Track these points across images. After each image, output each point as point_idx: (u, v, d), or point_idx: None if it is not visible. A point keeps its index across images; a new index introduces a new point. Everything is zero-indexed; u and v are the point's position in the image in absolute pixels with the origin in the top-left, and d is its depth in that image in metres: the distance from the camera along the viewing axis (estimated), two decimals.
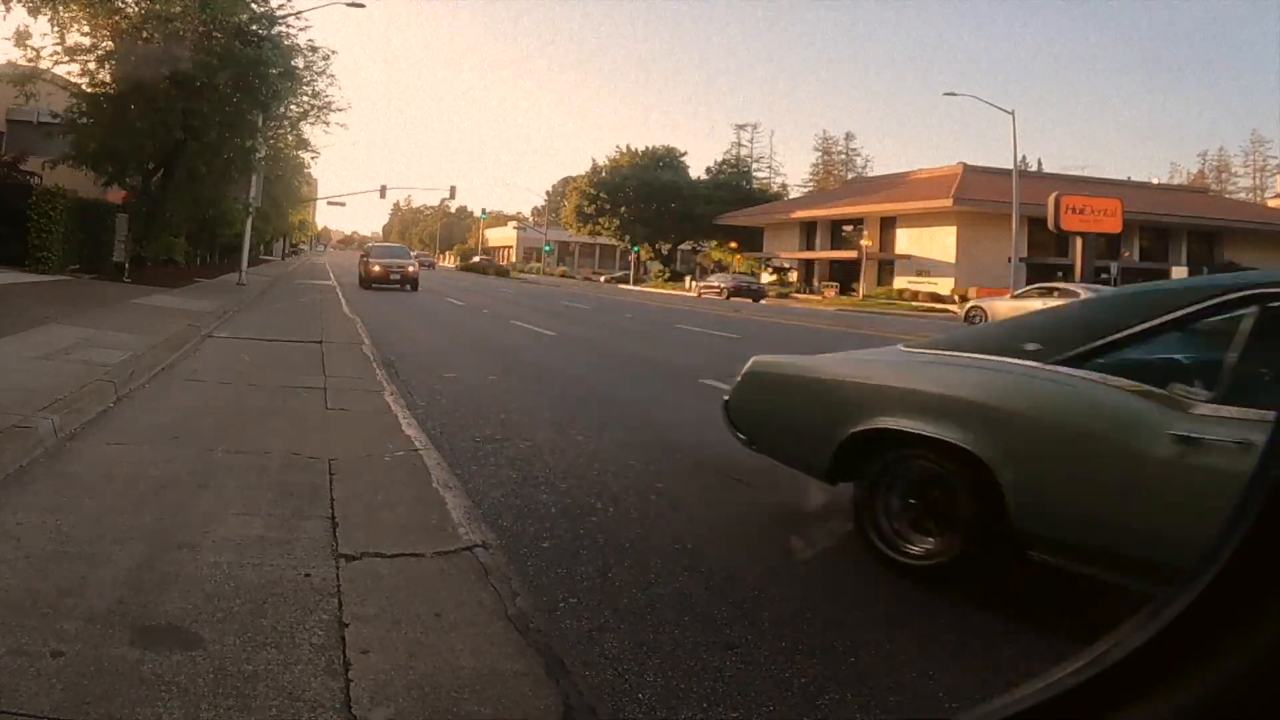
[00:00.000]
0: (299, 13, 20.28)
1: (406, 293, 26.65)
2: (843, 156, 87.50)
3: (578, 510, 4.26)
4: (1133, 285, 5.13)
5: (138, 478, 4.30)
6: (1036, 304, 17.89)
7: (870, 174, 71.75)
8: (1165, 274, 35.26)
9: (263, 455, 4.93)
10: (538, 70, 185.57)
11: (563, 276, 74.03)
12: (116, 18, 16.70)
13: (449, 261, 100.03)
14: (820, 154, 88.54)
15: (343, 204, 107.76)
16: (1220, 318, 2.92)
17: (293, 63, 20.03)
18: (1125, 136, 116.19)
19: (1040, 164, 60.54)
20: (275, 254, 58.37)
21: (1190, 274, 34.08)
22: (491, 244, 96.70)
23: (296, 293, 23.98)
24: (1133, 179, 51.96)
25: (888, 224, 46.25)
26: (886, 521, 3.53)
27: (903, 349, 4.08)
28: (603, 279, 67.99)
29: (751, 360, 4.49)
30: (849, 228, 48.64)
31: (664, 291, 50.25)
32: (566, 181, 79.51)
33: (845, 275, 47.43)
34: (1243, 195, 75.65)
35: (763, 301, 40.08)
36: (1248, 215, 48.47)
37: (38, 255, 16.44)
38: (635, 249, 66.39)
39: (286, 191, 36.93)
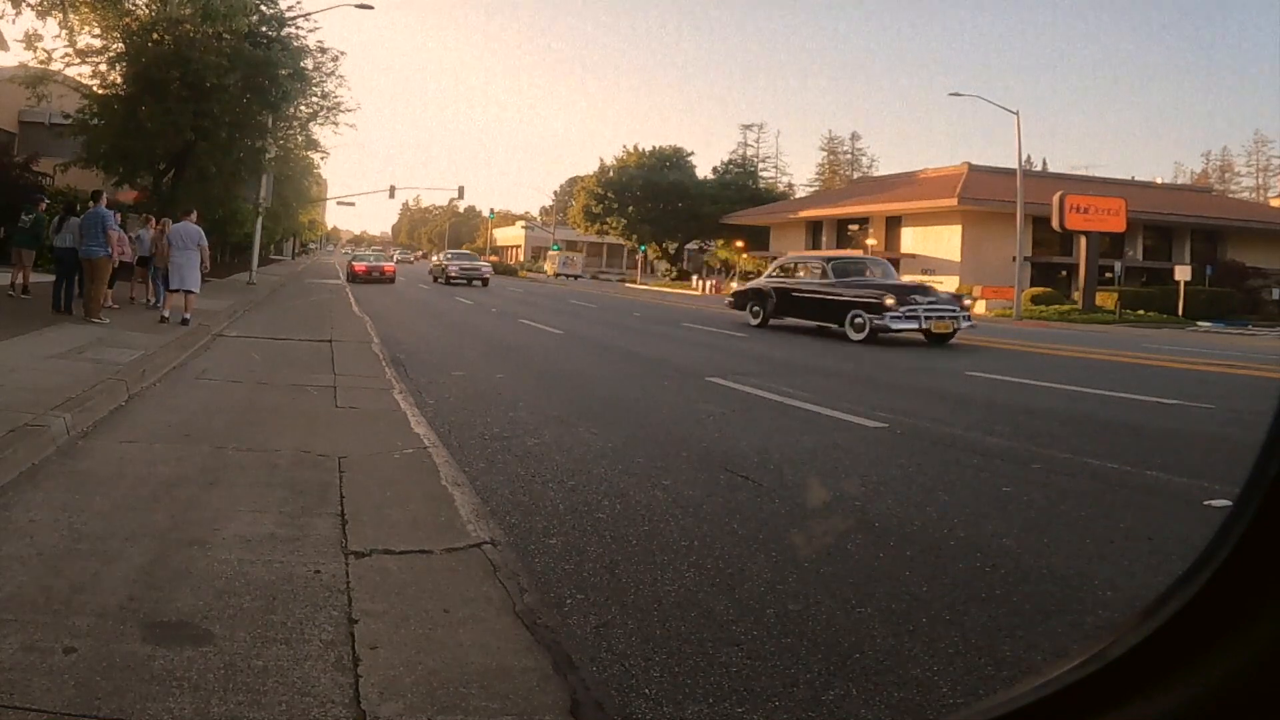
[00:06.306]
0: (308, 14, 20.42)
1: (418, 290, 30.08)
2: (848, 156, 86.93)
3: (585, 507, 4.27)
4: None
5: (149, 475, 4.34)
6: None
7: (876, 173, 71.37)
8: (1169, 273, 35.09)
9: (273, 453, 4.96)
10: (546, 70, 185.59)
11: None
12: (127, 20, 16.80)
13: None
14: (826, 154, 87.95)
15: (352, 204, 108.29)
16: None
17: (302, 64, 20.13)
18: (1129, 136, 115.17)
19: (1045, 164, 60.25)
20: (285, 254, 58.63)
21: (1193, 272, 33.95)
22: (499, 243, 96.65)
23: (306, 292, 24.12)
24: (1137, 179, 51.31)
25: (893, 223, 45.98)
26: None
27: None
28: (615, 279, 67.94)
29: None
30: (855, 227, 48.39)
31: (673, 290, 50.17)
32: (574, 181, 79.24)
33: None
34: (1246, 195, 74.92)
35: None
36: (1250, 215, 47.97)
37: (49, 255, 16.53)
38: (643, 248, 66.35)
39: (296, 191, 37.08)
